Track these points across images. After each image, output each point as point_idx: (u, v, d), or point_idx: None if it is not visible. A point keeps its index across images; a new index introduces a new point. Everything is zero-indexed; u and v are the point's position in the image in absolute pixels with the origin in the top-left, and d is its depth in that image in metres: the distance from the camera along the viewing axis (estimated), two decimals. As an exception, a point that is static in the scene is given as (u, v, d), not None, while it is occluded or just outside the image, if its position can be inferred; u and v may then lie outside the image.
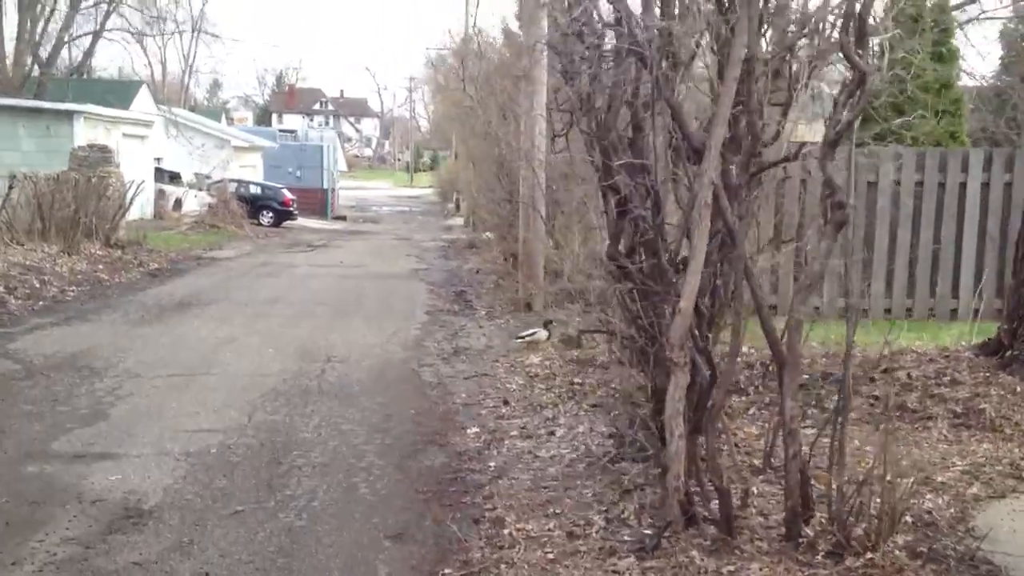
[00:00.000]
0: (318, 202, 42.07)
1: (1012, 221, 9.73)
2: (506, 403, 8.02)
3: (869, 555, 4.40)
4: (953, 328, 9.46)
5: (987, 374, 7.36)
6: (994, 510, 5.27)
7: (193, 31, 41.60)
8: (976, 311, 8.41)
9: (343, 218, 41.97)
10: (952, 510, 5.20)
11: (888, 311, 10.37)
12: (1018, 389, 7.03)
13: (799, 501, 4.66)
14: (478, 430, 7.29)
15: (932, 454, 6.06)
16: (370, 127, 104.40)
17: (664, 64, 4.87)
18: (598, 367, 8.77)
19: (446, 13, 76.74)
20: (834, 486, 4.53)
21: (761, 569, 4.43)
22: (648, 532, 4.83)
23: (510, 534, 5.21)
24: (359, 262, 20.52)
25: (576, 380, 8.39)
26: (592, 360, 9.03)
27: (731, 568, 4.46)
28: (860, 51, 4.45)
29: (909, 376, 7.63)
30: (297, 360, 9.84)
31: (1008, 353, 7.53)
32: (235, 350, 10.34)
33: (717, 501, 4.89)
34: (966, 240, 10.29)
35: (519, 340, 10.22)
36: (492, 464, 6.47)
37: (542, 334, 10.06)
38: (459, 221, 40.47)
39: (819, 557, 4.49)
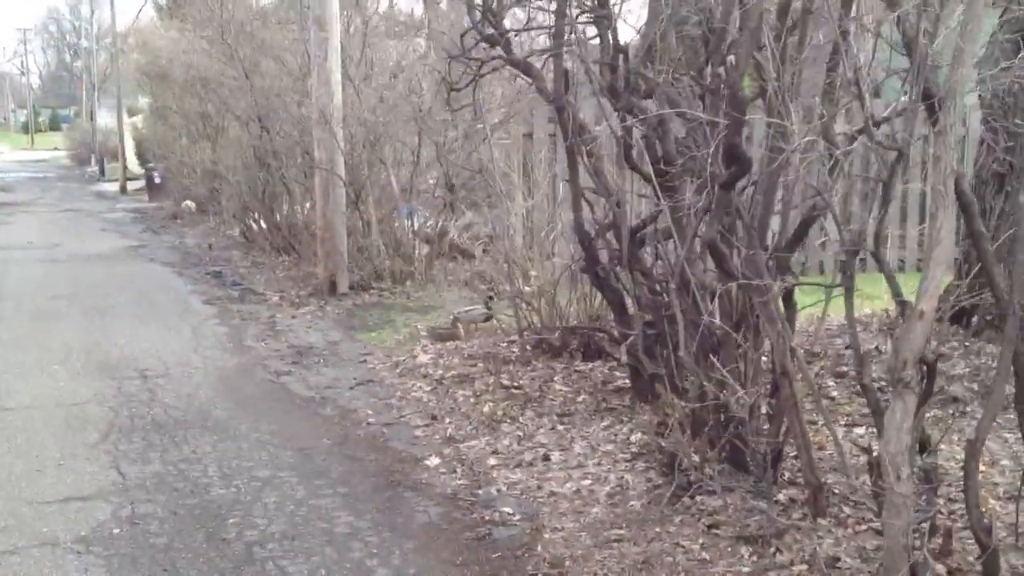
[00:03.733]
0: (-64, 172, 36.43)
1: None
2: (435, 419, 6.55)
3: None
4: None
5: (965, 343, 6.87)
6: None
7: None
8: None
9: (-33, 189, 36.62)
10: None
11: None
12: (1018, 361, 6.56)
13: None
14: (439, 461, 5.82)
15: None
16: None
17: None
18: (516, 363, 7.46)
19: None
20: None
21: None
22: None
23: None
24: (50, 241, 17.45)
25: (506, 382, 7.03)
26: (499, 356, 7.70)
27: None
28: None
29: (878, 350, 7.01)
30: (103, 379, 7.70)
31: (974, 319, 7.08)
32: (6, 370, 7.98)
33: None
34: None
35: (453, 316, 8.68)
36: (508, 510, 5.06)
37: (479, 312, 8.55)
38: (111, 187, 36.73)
39: None
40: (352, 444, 6.18)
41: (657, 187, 4.98)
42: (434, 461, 5.81)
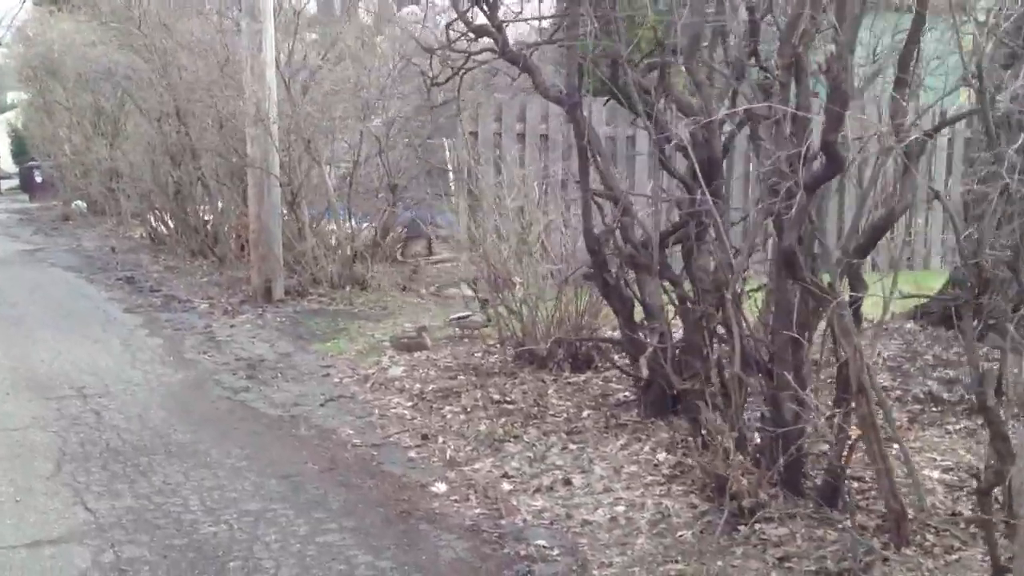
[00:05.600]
0: None
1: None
2: (426, 438, 6.02)
3: None
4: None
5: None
6: None
7: None
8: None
9: None
10: None
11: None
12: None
13: None
14: (447, 487, 5.30)
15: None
16: None
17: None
18: (500, 375, 6.97)
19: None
20: None
21: None
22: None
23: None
24: (-69, 246, 16.19)
25: (496, 396, 6.54)
26: (480, 367, 7.20)
27: None
28: None
29: (881, 357, 6.77)
30: (38, 400, 6.94)
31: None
32: (-79, 390, 7.15)
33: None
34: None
35: (450, 322, 8.27)
36: (543, 543, 4.57)
37: (477, 317, 7.99)
38: (-17, 190, 34.99)
39: None
40: (343, 469, 5.61)
41: (706, 190, 4.56)
42: (441, 487, 5.29)
